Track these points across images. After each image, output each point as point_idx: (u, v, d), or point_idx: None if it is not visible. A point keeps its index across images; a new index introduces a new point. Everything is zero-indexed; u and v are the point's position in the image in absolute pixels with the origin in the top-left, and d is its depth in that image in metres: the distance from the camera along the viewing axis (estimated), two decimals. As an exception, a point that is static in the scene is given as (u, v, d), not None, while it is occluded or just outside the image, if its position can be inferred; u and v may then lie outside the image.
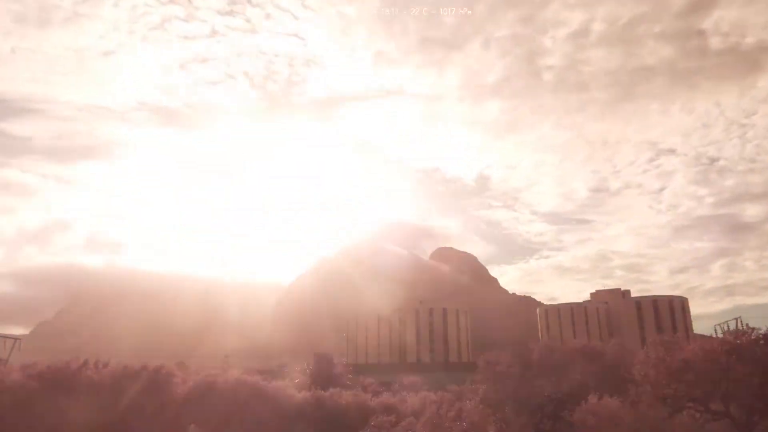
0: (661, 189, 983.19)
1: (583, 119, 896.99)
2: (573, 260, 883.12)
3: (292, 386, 69.49)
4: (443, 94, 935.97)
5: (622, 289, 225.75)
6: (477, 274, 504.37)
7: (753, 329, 36.00)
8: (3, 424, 47.55)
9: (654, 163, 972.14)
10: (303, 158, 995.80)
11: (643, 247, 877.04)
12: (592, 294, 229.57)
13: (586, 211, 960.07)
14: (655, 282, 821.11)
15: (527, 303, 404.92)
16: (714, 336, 70.58)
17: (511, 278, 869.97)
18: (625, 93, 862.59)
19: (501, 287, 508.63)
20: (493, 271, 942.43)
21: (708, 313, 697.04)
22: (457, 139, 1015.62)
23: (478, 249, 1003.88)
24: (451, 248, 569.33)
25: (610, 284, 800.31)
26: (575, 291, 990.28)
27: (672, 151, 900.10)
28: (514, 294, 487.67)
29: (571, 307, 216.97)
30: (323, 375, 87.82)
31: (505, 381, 44.49)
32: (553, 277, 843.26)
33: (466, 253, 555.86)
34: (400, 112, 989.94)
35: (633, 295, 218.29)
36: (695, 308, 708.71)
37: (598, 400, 37.15)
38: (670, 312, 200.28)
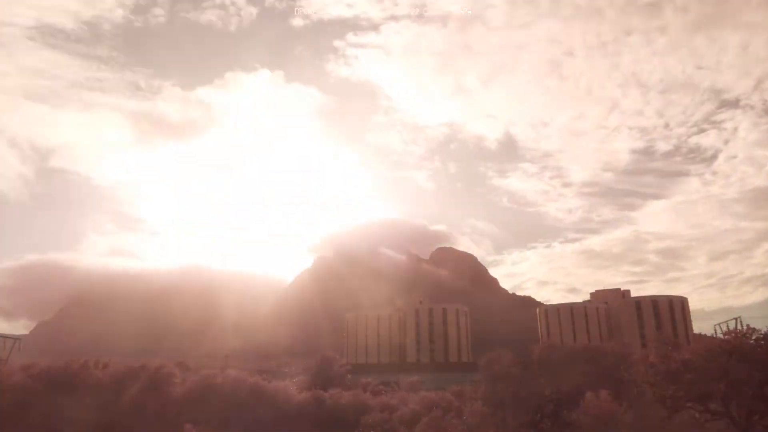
0: (716, 152, 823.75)
1: (646, 54, 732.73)
2: (604, 243, 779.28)
3: (293, 386, 69.59)
4: (482, 13, 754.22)
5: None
6: (477, 274, 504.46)
7: (753, 330, 36.00)
8: (3, 424, 47.54)
9: (714, 118, 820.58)
10: (304, 151, 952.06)
11: (684, 226, 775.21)
12: (592, 294, 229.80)
13: (625, 181, 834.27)
14: (688, 270, 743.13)
15: (527, 303, 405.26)
16: (714, 336, 70.63)
17: (531, 264, 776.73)
18: (708, 17, 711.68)
19: (501, 288, 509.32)
20: (512, 257, 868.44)
21: (736, 306, 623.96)
22: (486, 85, 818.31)
23: (493, 233, 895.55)
24: (451, 248, 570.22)
25: (639, 271, 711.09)
26: (597, 282, 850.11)
27: (736, 102, 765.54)
28: (513, 294, 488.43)
29: (571, 308, 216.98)
30: (323, 375, 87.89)
31: (505, 381, 44.39)
32: (578, 263, 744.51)
33: (465, 253, 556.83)
34: (422, 44, 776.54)
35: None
36: (725, 300, 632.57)
37: (597, 400, 37.17)
38: (669, 312, 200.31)
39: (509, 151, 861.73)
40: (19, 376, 54.32)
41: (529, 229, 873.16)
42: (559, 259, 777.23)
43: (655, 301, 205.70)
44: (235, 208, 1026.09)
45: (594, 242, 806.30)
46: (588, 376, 43.68)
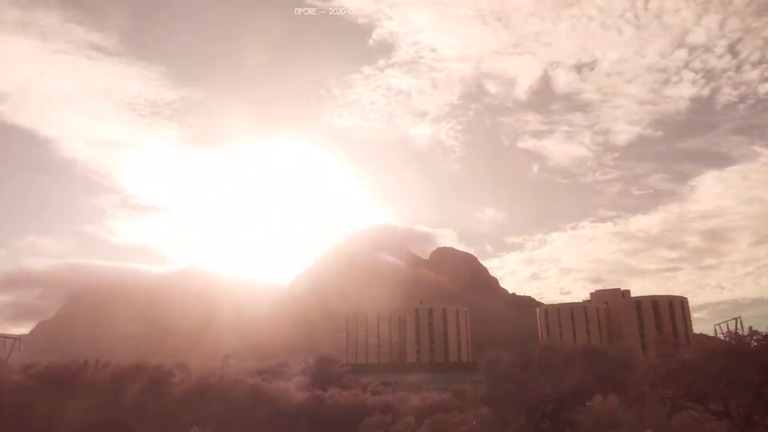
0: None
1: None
2: (641, 222, 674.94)
3: (292, 386, 69.58)
4: None
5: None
6: (477, 274, 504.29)
7: (753, 330, 36.01)
8: (3, 424, 47.53)
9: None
10: (304, 151, 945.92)
11: (735, 202, 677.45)
12: (592, 294, 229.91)
13: (679, 137, 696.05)
14: (727, 256, 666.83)
15: (527, 303, 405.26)
16: (714, 336, 70.61)
17: (554, 249, 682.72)
18: None
19: (501, 287, 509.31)
20: (533, 241, 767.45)
21: (763, 299, 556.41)
22: (531, 6, 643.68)
23: (516, 211, 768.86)
24: (451, 248, 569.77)
25: (674, 257, 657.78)
26: (626, 270, 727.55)
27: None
28: (514, 294, 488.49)
29: (571, 308, 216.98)
30: (323, 375, 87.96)
31: (505, 381, 44.41)
32: (608, 246, 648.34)
33: (465, 253, 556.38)
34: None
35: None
36: (759, 291, 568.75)
37: (599, 400, 37.19)
38: (669, 312, 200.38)
39: (544, 101, 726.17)
40: (19, 376, 54.33)
41: (558, 205, 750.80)
42: (588, 243, 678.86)
43: (655, 301, 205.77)
44: (235, 208, 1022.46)
45: (631, 221, 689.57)
46: (588, 376, 43.71)
